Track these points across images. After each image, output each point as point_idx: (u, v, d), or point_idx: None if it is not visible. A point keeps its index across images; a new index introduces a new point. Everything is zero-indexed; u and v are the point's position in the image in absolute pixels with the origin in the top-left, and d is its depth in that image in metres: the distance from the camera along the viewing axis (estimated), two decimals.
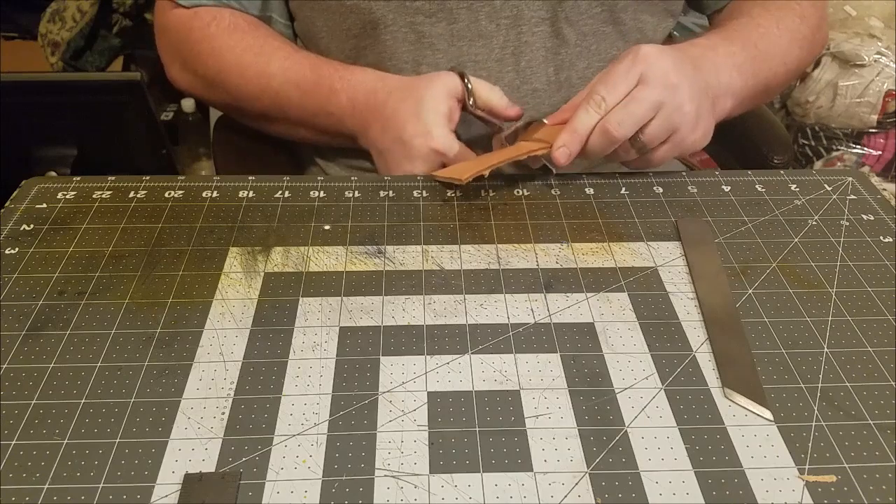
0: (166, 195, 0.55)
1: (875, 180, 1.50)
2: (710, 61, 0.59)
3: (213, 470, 0.36)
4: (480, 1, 0.62)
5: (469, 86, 0.59)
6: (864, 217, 0.55)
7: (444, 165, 0.59)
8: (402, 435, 0.38)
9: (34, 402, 0.40)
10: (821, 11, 0.71)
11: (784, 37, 0.66)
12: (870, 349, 0.44)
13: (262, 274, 0.49)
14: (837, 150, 1.51)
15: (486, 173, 0.54)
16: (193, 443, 0.38)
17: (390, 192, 0.57)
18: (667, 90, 0.53)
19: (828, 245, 0.52)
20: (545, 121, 0.58)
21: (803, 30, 0.67)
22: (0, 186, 0.59)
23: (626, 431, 0.39)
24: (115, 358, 0.42)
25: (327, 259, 0.50)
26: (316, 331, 0.45)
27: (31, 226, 0.52)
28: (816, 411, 0.40)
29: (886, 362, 0.43)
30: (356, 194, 0.56)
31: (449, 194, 0.56)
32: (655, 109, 0.53)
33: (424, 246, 0.51)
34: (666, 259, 0.51)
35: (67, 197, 0.55)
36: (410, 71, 0.65)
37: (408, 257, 0.50)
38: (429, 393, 0.41)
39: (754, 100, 0.66)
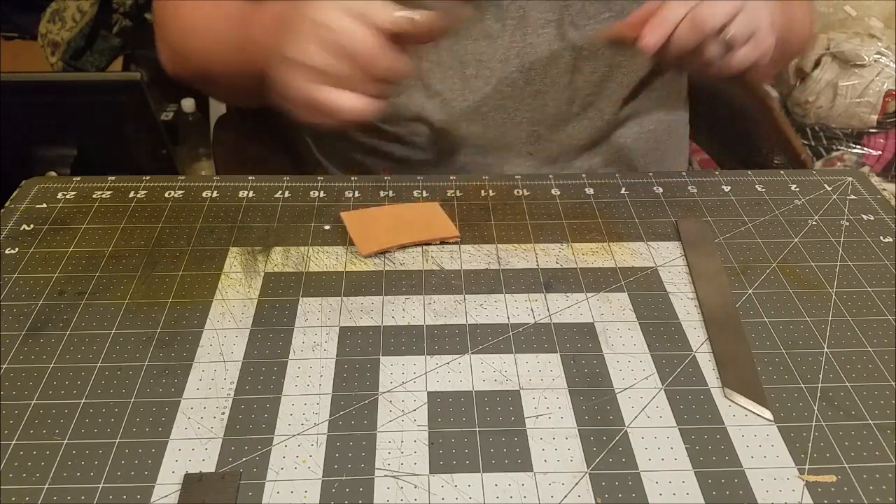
0: (166, 195, 0.55)
1: (875, 180, 1.50)
2: None
3: (213, 470, 0.36)
4: (487, 0, 0.62)
5: None
6: (864, 217, 0.55)
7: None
8: (402, 435, 0.38)
9: (34, 402, 0.40)
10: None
11: (802, 7, 0.67)
12: (870, 349, 0.44)
13: (262, 274, 0.49)
14: (837, 150, 1.51)
15: (394, 250, 0.51)
16: (193, 443, 0.38)
17: (390, 192, 0.57)
18: None
19: (828, 245, 0.52)
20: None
21: (809, 9, 0.69)
22: (0, 186, 0.59)
23: (626, 431, 0.39)
24: (115, 358, 0.42)
25: (327, 259, 0.50)
26: (316, 331, 0.45)
27: (31, 226, 0.52)
28: (816, 411, 0.40)
29: (886, 362, 0.43)
30: (356, 194, 0.56)
31: (449, 194, 0.56)
32: (741, 6, 0.51)
33: (424, 246, 0.51)
34: (666, 259, 0.51)
35: (67, 197, 0.55)
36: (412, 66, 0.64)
37: (408, 257, 0.50)
38: (429, 393, 0.41)
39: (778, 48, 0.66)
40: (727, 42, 0.52)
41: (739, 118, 0.83)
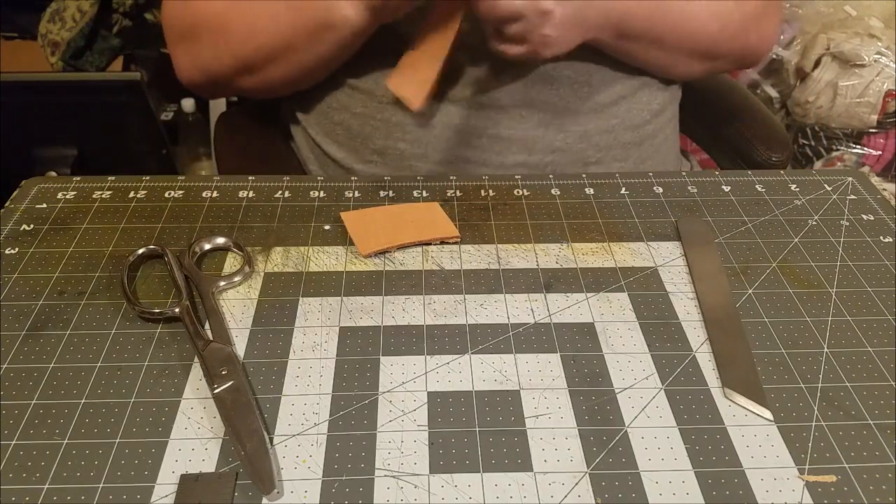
0: (166, 195, 0.55)
1: (875, 180, 1.50)
2: None
3: (212, 470, 0.36)
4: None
5: None
6: (864, 217, 0.55)
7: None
8: (402, 435, 0.38)
9: (34, 402, 0.40)
10: (769, 11, 0.68)
11: (708, 8, 0.64)
12: (870, 349, 0.44)
13: (262, 274, 0.49)
14: (837, 150, 1.52)
15: (393, 249, 0.51)
16: (193, 443, 0.38)
17: (390, 192, 0.57)
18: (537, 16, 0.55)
19: (828, 245, 0.52)
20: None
21: (734, 13, 0.65)
22: (0, 186, 0.59)
23: (626, 431, 0.39)
24: (115, 358, 0.42)
25: (327, 259, 0.50)
26: (316, 331, 0.45)
27: (31, 226, 0.52)
28: (816, 411, 0.40)
29: (886, 362, 0.43)
30: (356, 194, 0.56)
31: (449, 194, 0.56)
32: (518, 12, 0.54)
33: (424, 246, 0.51)
34: (666, 259, 0.51)
35: (67, 197, 0.55)
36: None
37: (408, 257, 0.50)
38: (429, 393, 0.41)
39: (640, 43, 0.64)
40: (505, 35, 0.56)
41: (737, 116, 0.84)
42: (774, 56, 1.50)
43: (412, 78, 0.56)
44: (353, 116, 0.67)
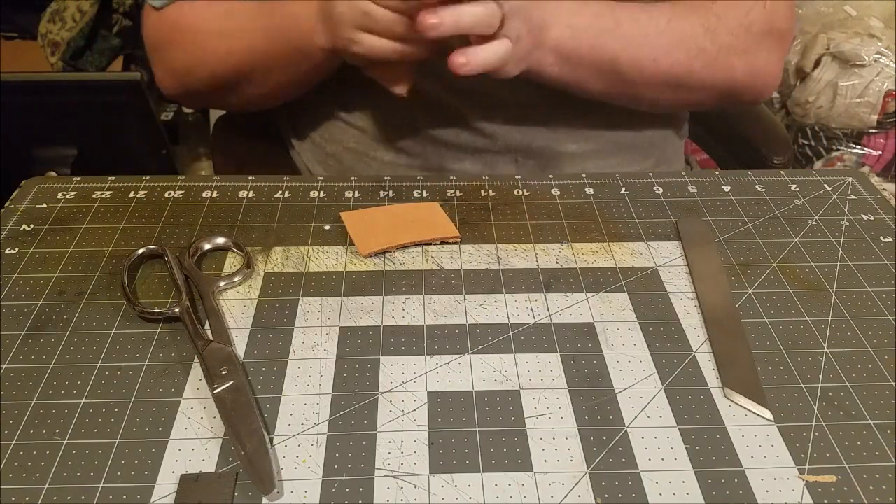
0: (166, 195, 0.55)
1: (875, 180, 1.50)
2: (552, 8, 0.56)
3: (212, 470, 0.36)
4: None
5: None
6: (864, 217, 0.55)
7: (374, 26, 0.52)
8: (402, 435, 0.38)
9: (34, 402, 0.40)
10: (762, 45, 0.63)
11: (668, 35, 0.59)
12: (870, 349, 0.44)
13: (262, 274, 0.49)
14: (837, 150, 1.52)
15: (393, 249, 0.51)
16: (193, 443, 0.38)
17: (390, 192, 0.57)
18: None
19: (828, 245, 0.52)
20: None
21: (704, 42, 0.60)
22: (0, 186, 0.59)
23: (626, 431, 0.39)
24: (115, 358, 0.42)
25: (327, 259, 0.50)
26: (316, 331, 0.45)
27: (31, 226, 0.52)
28: (816, 411, 0.40)
29: (886, 362, 0.43)
30: (356, 194, 0.56)
31: (449, 194, 0.56)
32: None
33: (424, 246, 0.51)
34: (666, 259, 0.51)
35: (67, 197, 0.55)
36: None
37: (408, 257, 0.50)
38: (429, 393, 0.41)
39: (593, 72, 0.59)
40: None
41: (738, 117, 0.84)
42: None
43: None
44: (346, 150, 0.67)
